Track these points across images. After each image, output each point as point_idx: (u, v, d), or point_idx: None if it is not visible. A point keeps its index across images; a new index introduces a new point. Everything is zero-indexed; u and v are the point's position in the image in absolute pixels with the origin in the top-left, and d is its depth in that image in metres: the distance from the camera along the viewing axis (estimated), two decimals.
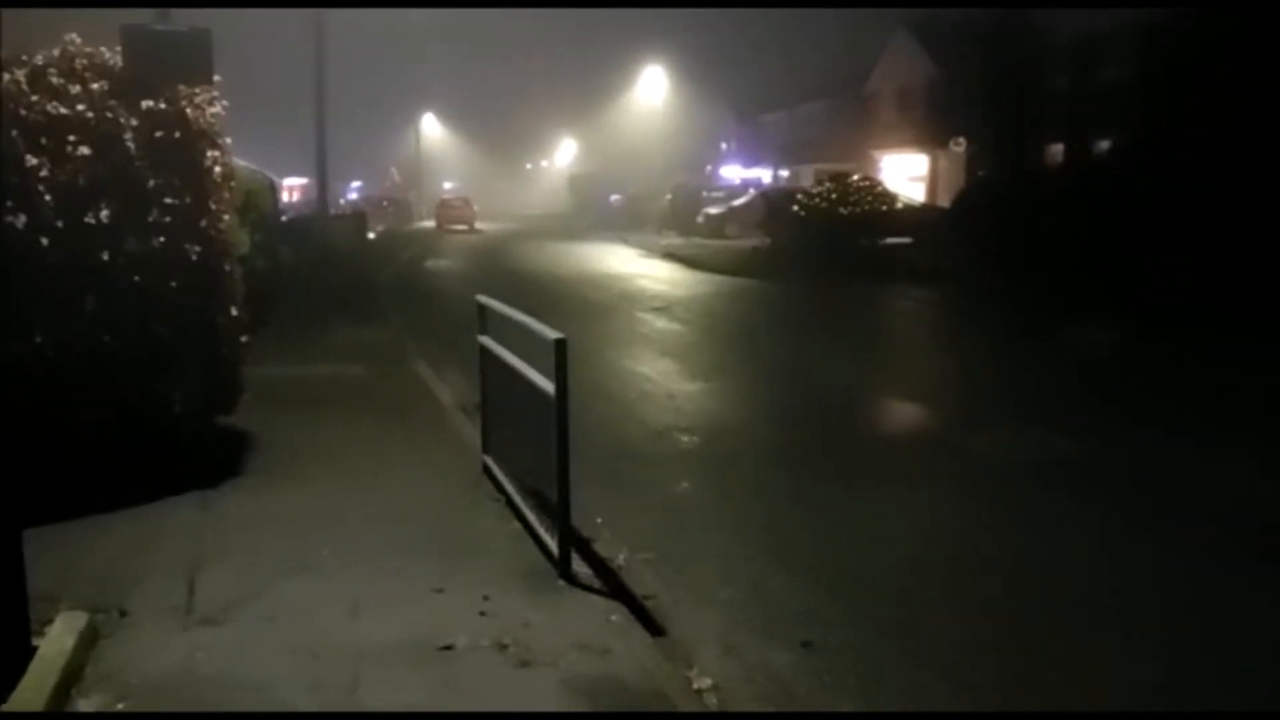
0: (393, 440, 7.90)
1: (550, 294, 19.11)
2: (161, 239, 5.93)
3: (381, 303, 17.67)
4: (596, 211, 58.21)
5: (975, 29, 32.55)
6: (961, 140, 23.82)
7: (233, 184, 7.14)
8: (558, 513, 4.94)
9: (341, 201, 59.11)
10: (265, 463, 7.03)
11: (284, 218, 28.42)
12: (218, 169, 6.53)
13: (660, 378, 10.85)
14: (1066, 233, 19.59)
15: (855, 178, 26.30)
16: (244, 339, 7.23)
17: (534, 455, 5.42)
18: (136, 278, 5.85)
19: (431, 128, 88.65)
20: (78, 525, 5.50)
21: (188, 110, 6.15)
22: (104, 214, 5.71)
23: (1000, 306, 17.11)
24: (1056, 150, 27.75)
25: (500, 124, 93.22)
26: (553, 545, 5.07)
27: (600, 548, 5.57)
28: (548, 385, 4.90)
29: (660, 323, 15.23)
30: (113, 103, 5.81)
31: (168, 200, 5.96)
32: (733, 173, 58.13)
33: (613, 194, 62.89)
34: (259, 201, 12.93)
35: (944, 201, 33.65)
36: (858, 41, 47.14)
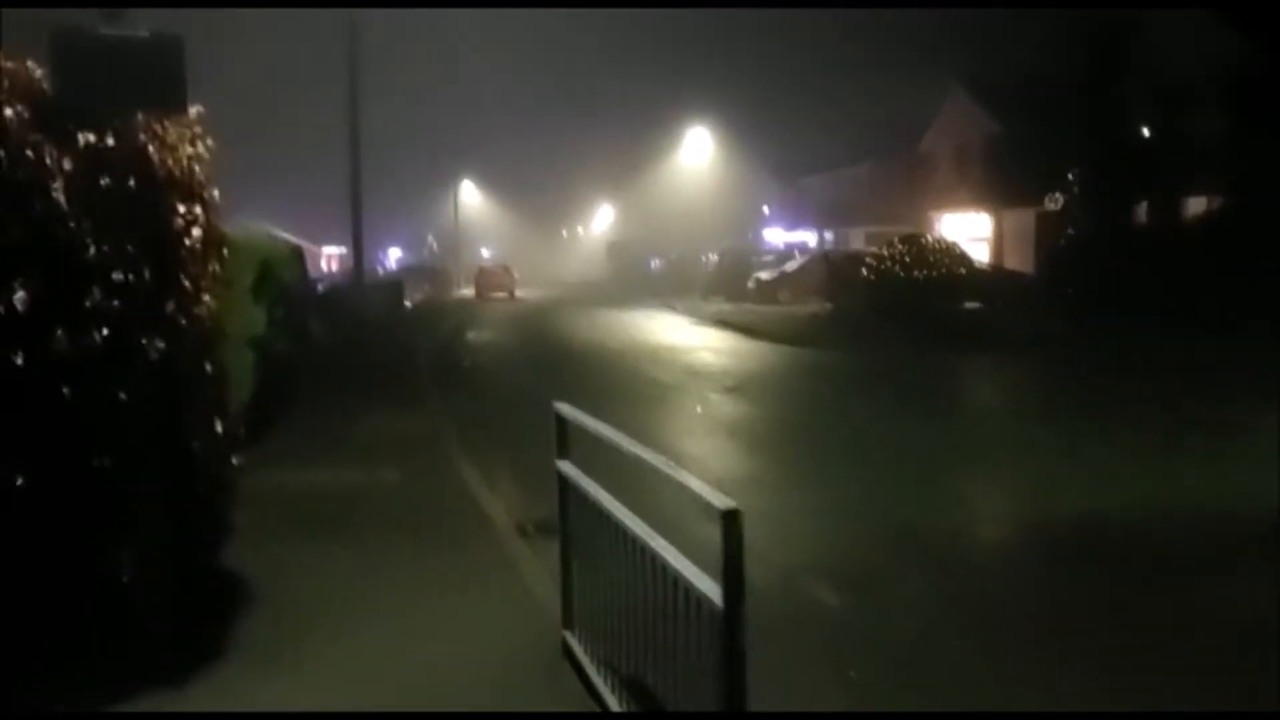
0: (432, 590, 5.94)
1: (608, 371, 17.24)
2: (106, 331, 4.08)
3: (420, 383, 15.85)
4: (636, 278, 56.79)
5: (1041, 82, 30.99)
6: (1059, 196, 21.92)
7: (224, 251, 5.32)
8: None
9: (379, 270, 58.14)
10: (258, 635, 5.09)
11: (319, 287, 27.06)
12: (196, 231, 4.70)
13: (760, 487, 8.86)
14: (1177, 294, 17.58)
15: (929, 238, 24.40)
16: (236, 461, 5.36)
17: (659, 656, 3.48)
18: (67, 389, 3.99)
19: (469, 195, 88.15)
20: None
21: (150, 149, 4.35)
22: (18, 297, 3.88)
23: (1131, 379, 14.72)
24: (1140, 208, 25.79)
25: (537, 191, 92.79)
26: None
27: None
28: (705, 584, 2.93)
29: (737, 407, 13.28)
30: (37, 137, 4.01)
31: (116, 276, 4.12)
32: (775, 236, 56.68)
33: (653, 259, 61.69)
34: (278, 271, 11.21)
35: (1011, 264, 31.78)
36: (908, 102, 45.73)
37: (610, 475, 4.33)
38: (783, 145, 60.38)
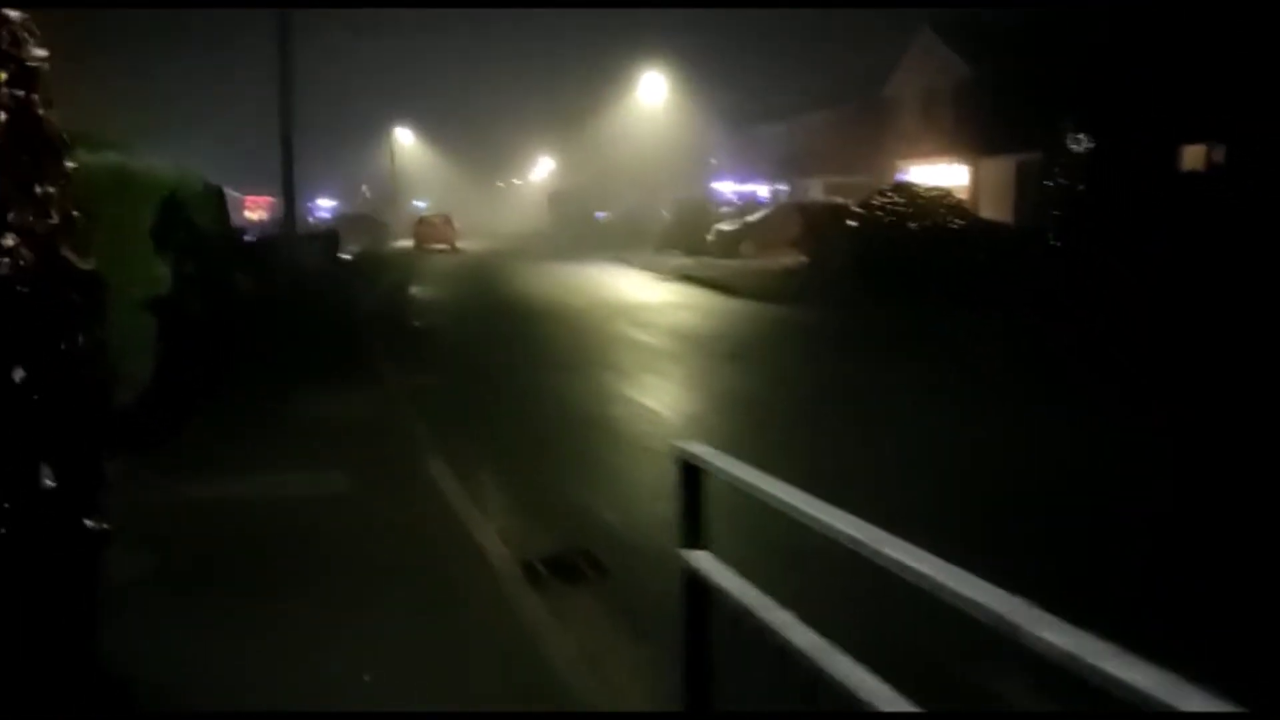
0: (416, 690, 3.81)
1: (581, 333, 15.06)
2: None
3: (364, 346, 13.55)
4: (580, 230, 54.42)
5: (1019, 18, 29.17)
6: (1081, 137, 20.07)
7: (64, 164, 3.06)
8: None
9: (310, 220, 54.99)
10: None
11: (246, 238, 24.33)
12: None
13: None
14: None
15: (923, 186, 22.45)
16: (92, 523, 3.13)
17: None
18: None
19: (403, 142, 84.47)
20: None
21: None
22: None
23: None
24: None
25: (474, 139, 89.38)
26: None
27: None
28: None
29: (754, 380, 11.21)
30: None
31: None
32: (725, 188, 54.68)
33: (597, 211, 59.45)
34: (190, 213, 8.81)
35: (987, 215, 30.04)
36: (870, 46, 43.73)
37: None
38: (734, 92, 58.25)
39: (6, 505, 2.57)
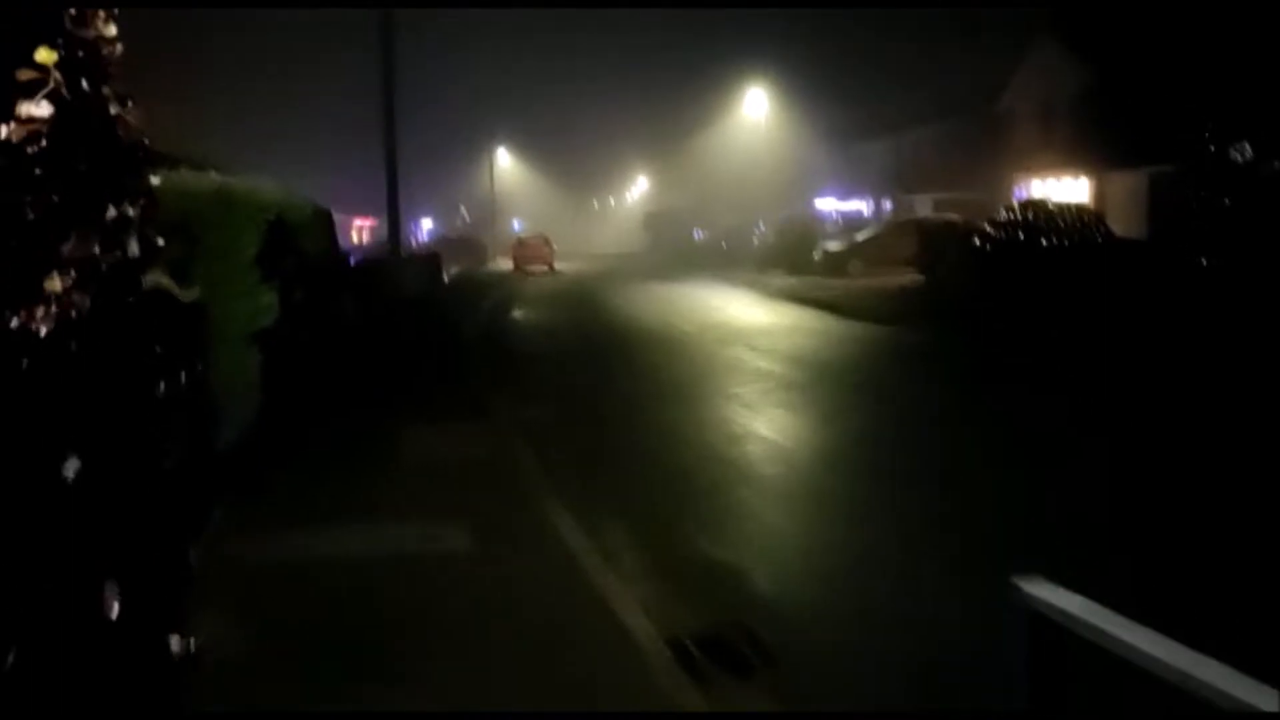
0: None
1: (698, 362, 14.20)
2: None
3: (471, 375, 12.96)
4: (677, 250, 53.71)
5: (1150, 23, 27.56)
6: (1244, 146, 18.49)
7: (144, 175, 2.39)
8: None
9: (413, 242, 55.51)
10: None
11: (351, 261, 24.27)
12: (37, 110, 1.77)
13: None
14: None
15: (1056, 202, 21.08)
16: (176, 648, 2.45)
17: None
18: None
19: (501, 163, 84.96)
20: None
21: None
22: None
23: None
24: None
25: (569, 160, 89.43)
26: None
27: None
28: None
29: (886, 414, 10.23)
30: None
31: None
32: (828, 205, 53.45)
33: (695, 231, 58.82)
34: (297, 238, 8.27)
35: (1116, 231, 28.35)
36: (981, 59, 42.19)
37: None
38: (838, 109, 56.98)
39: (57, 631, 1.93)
